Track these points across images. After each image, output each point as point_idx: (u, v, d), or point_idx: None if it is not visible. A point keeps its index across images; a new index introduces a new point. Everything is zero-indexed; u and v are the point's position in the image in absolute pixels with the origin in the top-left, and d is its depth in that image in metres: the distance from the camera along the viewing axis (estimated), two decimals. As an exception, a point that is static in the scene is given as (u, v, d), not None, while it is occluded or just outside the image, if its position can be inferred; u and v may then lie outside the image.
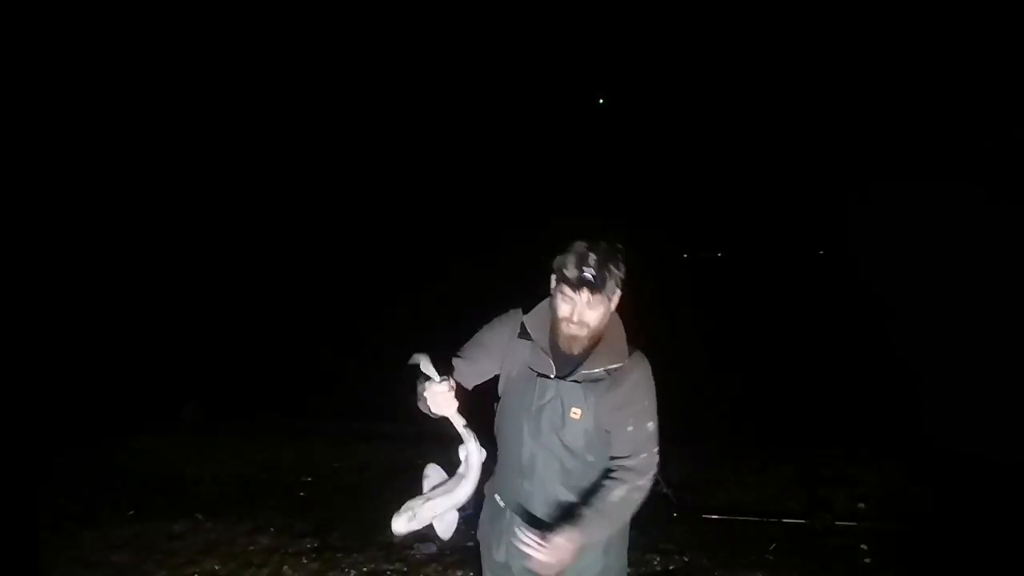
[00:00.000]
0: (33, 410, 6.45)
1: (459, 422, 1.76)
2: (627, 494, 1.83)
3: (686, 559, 3.76)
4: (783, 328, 11.46)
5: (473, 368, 1.97)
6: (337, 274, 15.56)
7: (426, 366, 1.81)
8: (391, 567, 3.68)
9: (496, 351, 1.98)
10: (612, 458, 1.88)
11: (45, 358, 8.43)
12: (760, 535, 4.04)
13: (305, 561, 3.75)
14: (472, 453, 1.77)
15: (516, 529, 1.85)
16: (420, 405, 1.79)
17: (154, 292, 12.54)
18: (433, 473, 1.85)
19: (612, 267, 1.80)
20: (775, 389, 7.72)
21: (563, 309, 1.83)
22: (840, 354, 9.37)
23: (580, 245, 1.80)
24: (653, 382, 1.93)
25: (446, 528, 1.82)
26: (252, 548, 3.90)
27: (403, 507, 1.75)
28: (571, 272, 1.78)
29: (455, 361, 1.96)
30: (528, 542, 1.75)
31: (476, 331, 2.03)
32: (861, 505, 4.50)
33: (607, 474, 1.87)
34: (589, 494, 1.88)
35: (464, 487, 1.77)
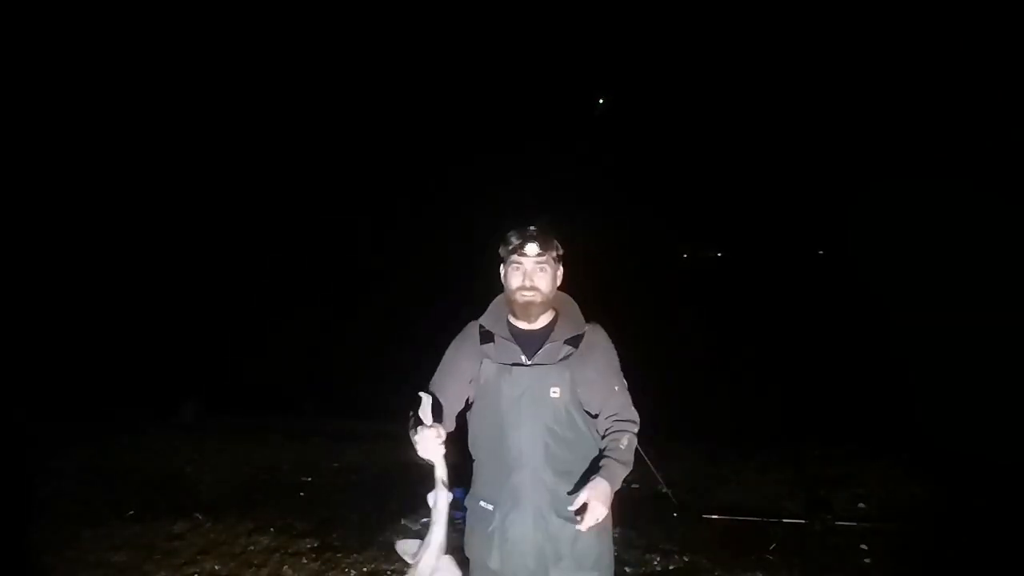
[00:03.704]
0: (33, 410, 6.46)
1: (440, 471, 1.85)
2: (630, 440, 1.97)
3: (686, 559, 3.76)
4: (783, 328, 11.47)
5: (449, 398, 2.01)
6: (336, 275, 15.56)
7: (424, 409, 1.87)
8: (391, 567, 3.68)
9: (466, 370, 2.04)
10: (607, 416, 1.99)
11: (46, 358, 8.44)
12: (760, 535, 4.03)
13: (305, 561, 3.75)
14: (440, 499, 1.84)
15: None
16: (414, 447, 1.86)
17: (154, 293, 12.55)
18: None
19: (551, 237, 1.98)
20: (775, 389, 7.72)
21: (515, 279, 1.97)
22: (840, 354, 9.38)
23: (517, 225, 1.98)
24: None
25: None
26: (252, 548, 3.90)
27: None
28: (516, 239, 1.95)
29: (429, 396, 1.98)
30: (575, 514, 1.82)
31: (442, 357, 2.10)
32: (861, 505, 4.50)
33: (608, 429, 1.98)
34: (574, 470, 1.96)
35: (436, 533, 1.84)
